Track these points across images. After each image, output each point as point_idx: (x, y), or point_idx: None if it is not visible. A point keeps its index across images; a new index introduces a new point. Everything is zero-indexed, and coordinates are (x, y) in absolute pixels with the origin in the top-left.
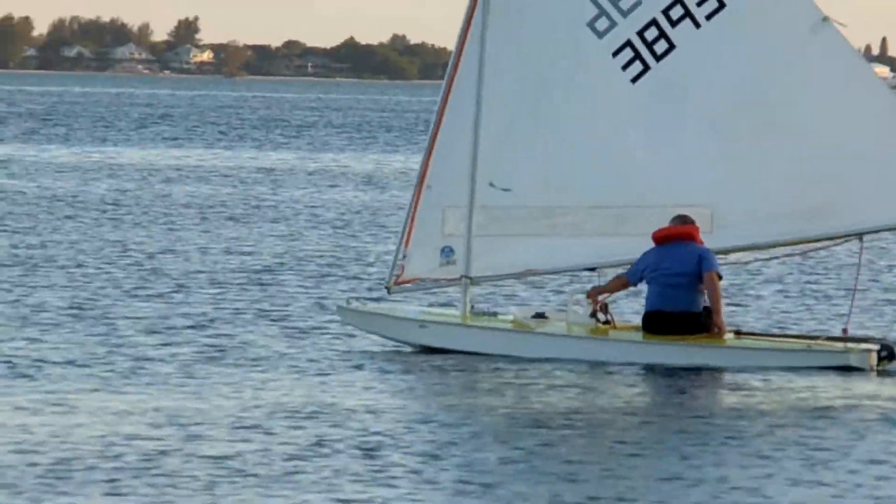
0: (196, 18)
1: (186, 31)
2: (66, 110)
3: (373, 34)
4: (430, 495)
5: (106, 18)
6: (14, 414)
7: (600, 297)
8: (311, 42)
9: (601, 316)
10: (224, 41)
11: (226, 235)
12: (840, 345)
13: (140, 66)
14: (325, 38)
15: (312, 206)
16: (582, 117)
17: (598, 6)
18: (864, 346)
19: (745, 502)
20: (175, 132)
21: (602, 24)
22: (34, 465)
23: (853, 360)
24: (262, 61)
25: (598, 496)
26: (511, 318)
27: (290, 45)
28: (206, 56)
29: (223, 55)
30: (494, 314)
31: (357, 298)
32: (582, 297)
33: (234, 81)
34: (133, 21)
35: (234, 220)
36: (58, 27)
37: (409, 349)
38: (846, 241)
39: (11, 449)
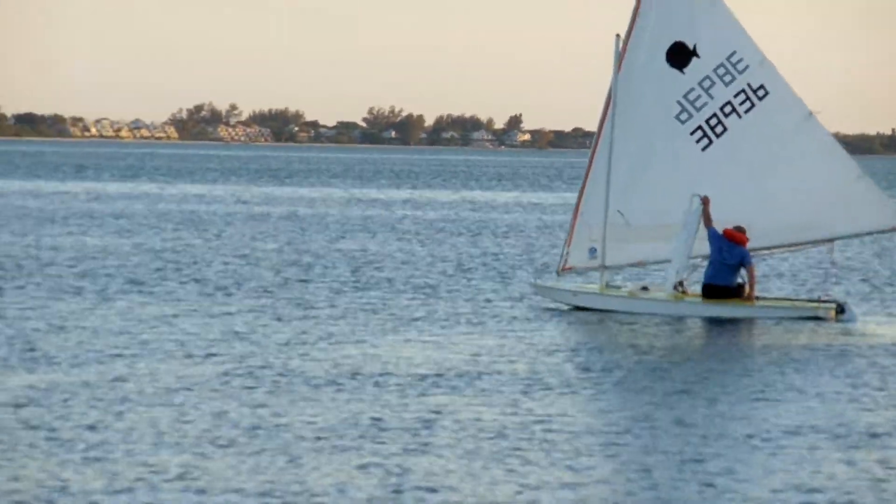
0: (520, 114)
1: (515, 121)
2: (452, 169)
3: None
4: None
5: (468, 114)
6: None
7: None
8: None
9: (680, 288)
10: (538, 127)
11: (479, 246)
12: (814, 304)
13: (487, 143)
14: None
15: (515, 225)
16: (671, 172)
17: (682, 106)
18: (827, 304)
19: (747, 411)
20: (497, 182)
21: (684, 116)
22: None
23: (821, 314)
24: (559, 140)
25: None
26: (628, 289)
27: (575, 130)
28: (527, 136)
29: (537, 136)
30: (619, 287)
31: (538, 278)
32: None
33: (543, 152)
34: (483, 115)
35: (479, 235)
36: (438, 120)
37: (568, 308)
38: (822, 244)
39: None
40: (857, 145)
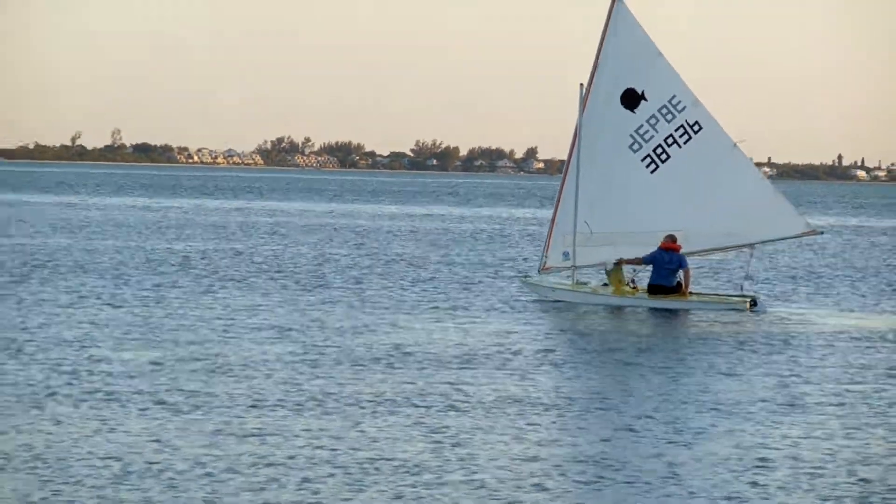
0: (536, 147)
1: (531, 152)
2: (482, 191)
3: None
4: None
5: (494, 146)
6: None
7: (627, 263)
8: None
9: (631, 285)
10: (550, 157)
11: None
12: (735, 298)
13: (509, 170)
14: None
15: (527, 234)
16: (625, 192)
17: (634, 139)
18: (743, 298)
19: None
20: (514, 199)
21: (635, 147)
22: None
23: (738, 306)
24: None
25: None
26: (592, 286)
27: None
28: (541, 164)
29: (549, 164)
30: (585, 283)
31: (526, 276)
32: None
33: (555, 177)
34: (506, 147)
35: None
36: (470, 151)
37: (549, 300)
38: (745, 248)
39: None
40: (805, 172)
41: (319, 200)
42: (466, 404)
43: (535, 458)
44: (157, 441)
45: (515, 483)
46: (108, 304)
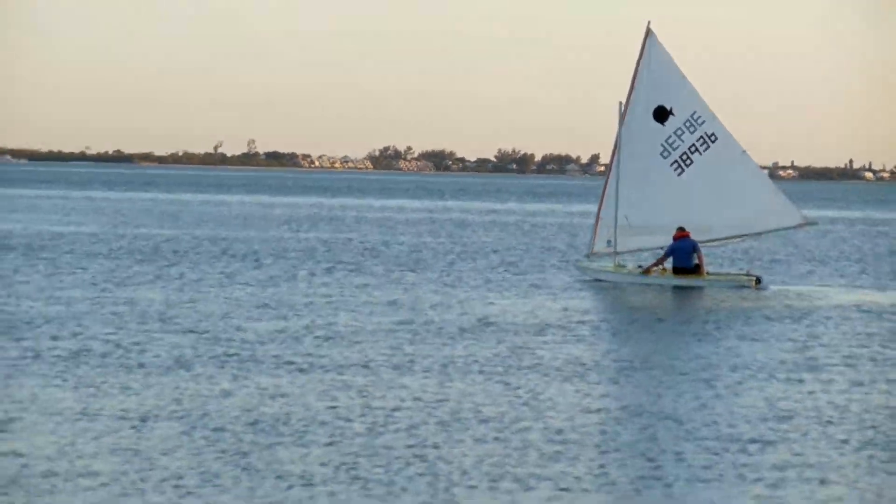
0: (599, 153)
1: (595, 158)
2: (552, 191)
3: None
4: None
5: (563, 153)
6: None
7: (655, 268)
8: None
9: (659, 269)
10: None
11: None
12: (744, 277)
13: (576, 173)
14: None
15: (581, 225)
16: (657, 191)
17: (664, 147)
18: (750, 277)
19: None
20: (580, 196)
21: (665, 154)
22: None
23: (745, 283)
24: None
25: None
26: (628, 268)
27: None
28: (603, 168)
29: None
30: (624, 266)
31: (579, 260)
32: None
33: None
34: (574, 153)
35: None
36: (544, 157)
37: (596, 280)
38: (754, 236)
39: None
40: (822, 174)
41: (416, 198)
42: (539, 365)
43: (598, 410)
44: (284, 395)
45: (584, 430)
46: (246, 284)
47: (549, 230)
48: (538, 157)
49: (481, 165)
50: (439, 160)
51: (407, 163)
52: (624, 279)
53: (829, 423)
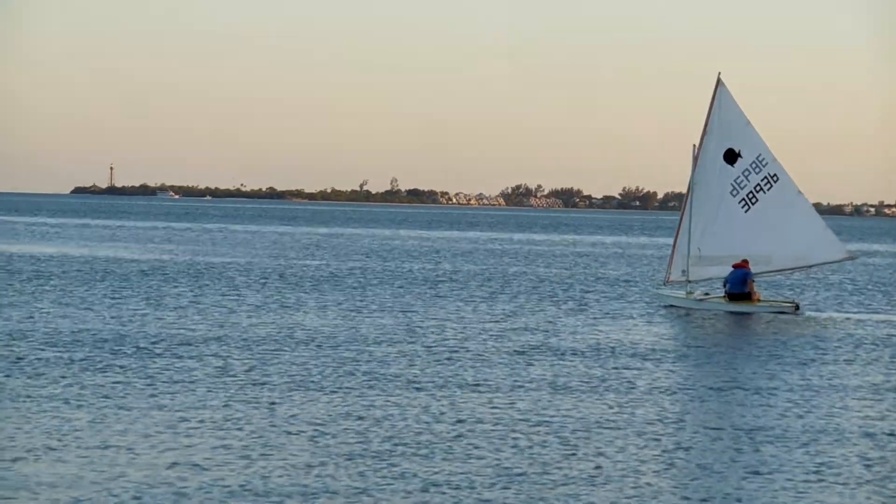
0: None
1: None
2: (669, 224)
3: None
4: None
5: (684, 191)
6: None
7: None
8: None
9: (718, 295)
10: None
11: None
12: (787, 304)
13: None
14: None
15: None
16: (726, 225)
17: (733, 186)
18: (790, 303)
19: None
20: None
21: (734, 192)
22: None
23: (786, 309)
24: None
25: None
26: (696, 296)
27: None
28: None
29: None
30: (692, 292)
31: (657, 288)
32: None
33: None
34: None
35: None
36: (665, 195)
37: (668, 305)
38: (805, 269)
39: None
40: (834, 210)
41: (545, 232)
42: (619, 384)
43: (679, 420)
44: (400, 409)
45: (674, 438)
46: (382, 310)
47: (648, 260)
48: (660, 195)
49: (606, 202)
50: (567, 197)
51: (537, 199)
52: (693, 305)
53: (879, 446)
